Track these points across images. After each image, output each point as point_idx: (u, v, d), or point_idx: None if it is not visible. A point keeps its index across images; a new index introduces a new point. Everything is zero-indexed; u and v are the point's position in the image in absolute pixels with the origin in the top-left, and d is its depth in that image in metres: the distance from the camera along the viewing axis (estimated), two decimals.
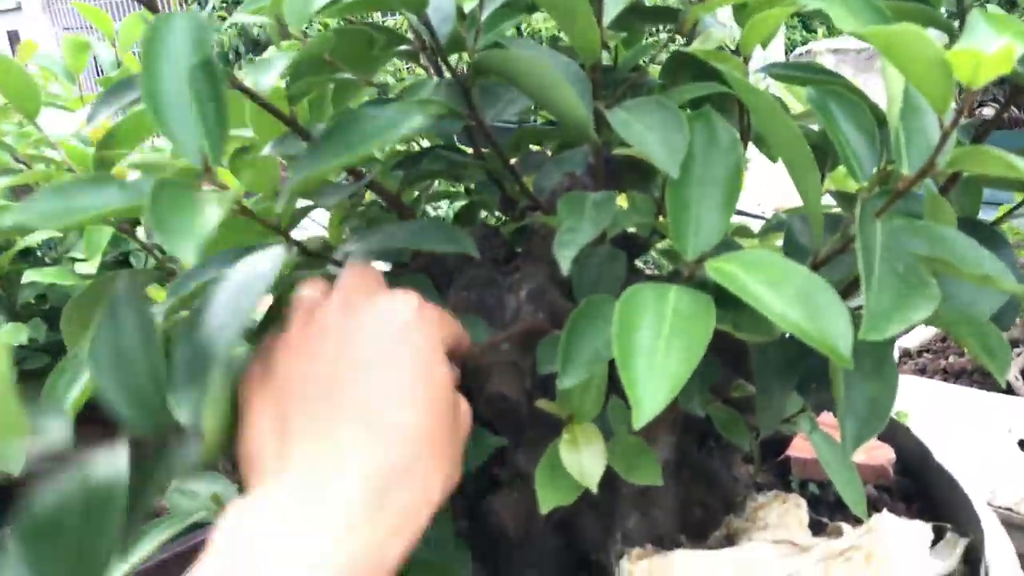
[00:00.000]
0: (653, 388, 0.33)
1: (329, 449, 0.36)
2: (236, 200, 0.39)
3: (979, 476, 1.52)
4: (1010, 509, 1.49)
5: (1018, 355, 1.58)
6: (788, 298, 0.35)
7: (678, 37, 0.57)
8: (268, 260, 0.41)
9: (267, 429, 0.38)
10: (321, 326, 0.40)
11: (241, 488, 0.44)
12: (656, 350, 0.35)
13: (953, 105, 0.35)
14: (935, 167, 0.37)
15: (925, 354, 1.72)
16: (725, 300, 0.37)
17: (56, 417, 0.39)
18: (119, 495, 0.36)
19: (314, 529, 0.33)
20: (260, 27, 6.14)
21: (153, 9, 0.42)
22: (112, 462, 0.37)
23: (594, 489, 0.42)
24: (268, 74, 0.41)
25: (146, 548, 0.49)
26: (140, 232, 0.75)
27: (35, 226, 0.37)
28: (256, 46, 6.35)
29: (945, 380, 1.58)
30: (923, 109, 0.40)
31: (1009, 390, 1.52)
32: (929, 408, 1.55)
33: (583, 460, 0.43)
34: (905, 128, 0.39)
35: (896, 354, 1.73)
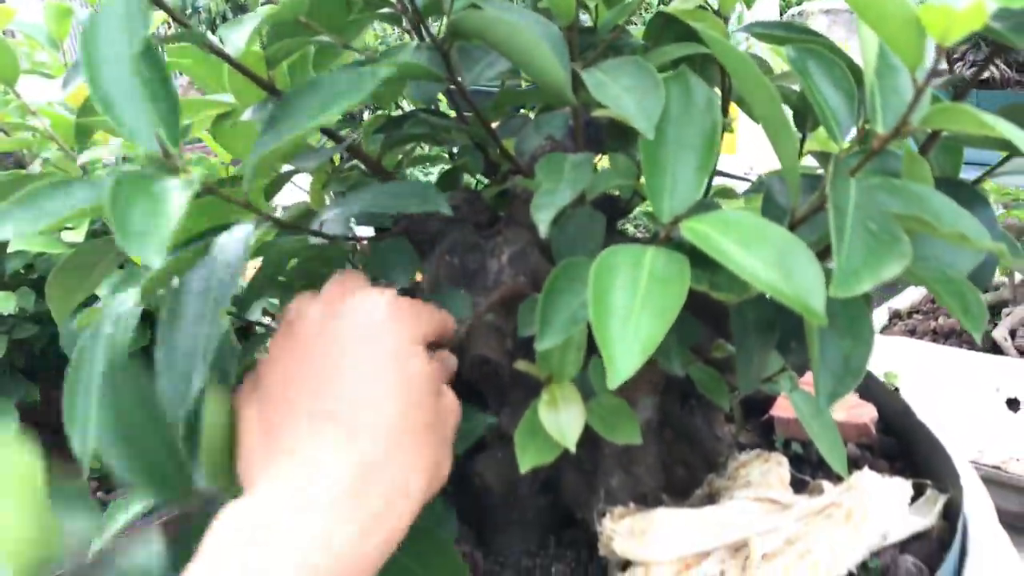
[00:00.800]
0: (627, 349, 0.34)
1: (309, 452, 0.37)
2: (201, 183, 0.39)
3: (967, 435, 1.54)
4: (998, 467, 1.51)
5: (1007, 315, 1.59)
6: (762, 257, 0.35)
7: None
8: (234, 245, 0.42)
9: (255, 435, 0.40)
10: (301, 333, 0.42)
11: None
12: (631, 311, 0.35)
13: (929, 62, 0.35)
14: (909, 125, 0.36)
15: (915, 315, 1.73)
16: (702, 261, 0.37)
17: (79, 502, 0.40)
18: None
19: (294, 530, 0.34)
20: None
21: None
22: (147, 552, 0.38)
23: (572, 448, 0.42)
24: (239, 33, 0.40)
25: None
26: None
27: (11, 236, 0.37)
28: (242, 9, 6.28)
29: (935, 341, 1.59)
30: (898, 68, 0.39)
31: (997, 350, 1.53)
32: (918, 368, 1.56)
33: (561, 420, 0.43)
34: (880, 87, 0.39)
35: (886, 315, 1.74)
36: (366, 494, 0.36)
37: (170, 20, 0.48)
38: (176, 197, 0.37)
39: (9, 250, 1.00)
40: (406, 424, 0.39)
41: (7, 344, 1.04)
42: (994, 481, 1.49)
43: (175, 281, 0.44)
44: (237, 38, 0.40)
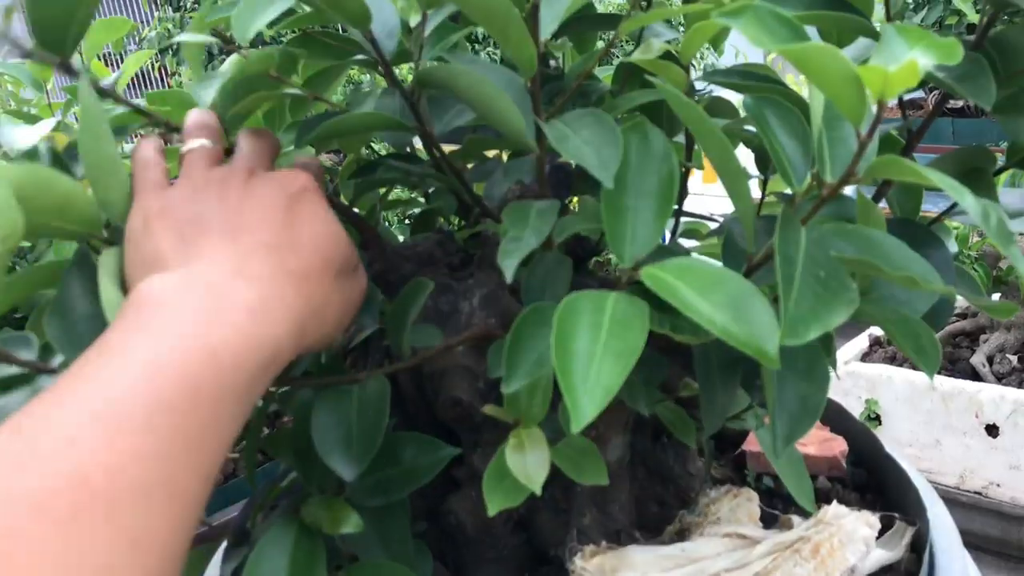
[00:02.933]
0: (589, 393, 0.34)
1: (238, 255, 0.40)
2: None
3: (948, 461, 1.55)
4: (979, 493, 1.52)
5: (985, 342, 1.60)
6: (717, 303, 0.36)
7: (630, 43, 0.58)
8: None
9: (168, 243, 0.41)
10: (224, 179, 0.44)
11: None
12: (593, 356, 0.36)
13: (874, 113, 0.37)
14: (855, 175, 0.38)
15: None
16: (663, 305, 0.39)
17: None
18: None
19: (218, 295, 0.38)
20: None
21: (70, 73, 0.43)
22: None
23: (538, 492, 0.43)
24: (208, 90, 0.42)
25: None
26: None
27: None
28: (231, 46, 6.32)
29: (915, 368, 1.61)
30: (844, 119, 0.41)
31: (976, 376, 1.55)
32: (899, 395, 1.58)
33: (528, 463, 0.44)
34: (828, 137, 0.41)
35: (867, 342, 1.75)
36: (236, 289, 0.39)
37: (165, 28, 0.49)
38: None
39: None
40: (326, 269, 0.44)
41: None
42: (976, 507, 1.50)
43: None
44: (206, 95, 0.42)
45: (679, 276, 0.38)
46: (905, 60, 0.32)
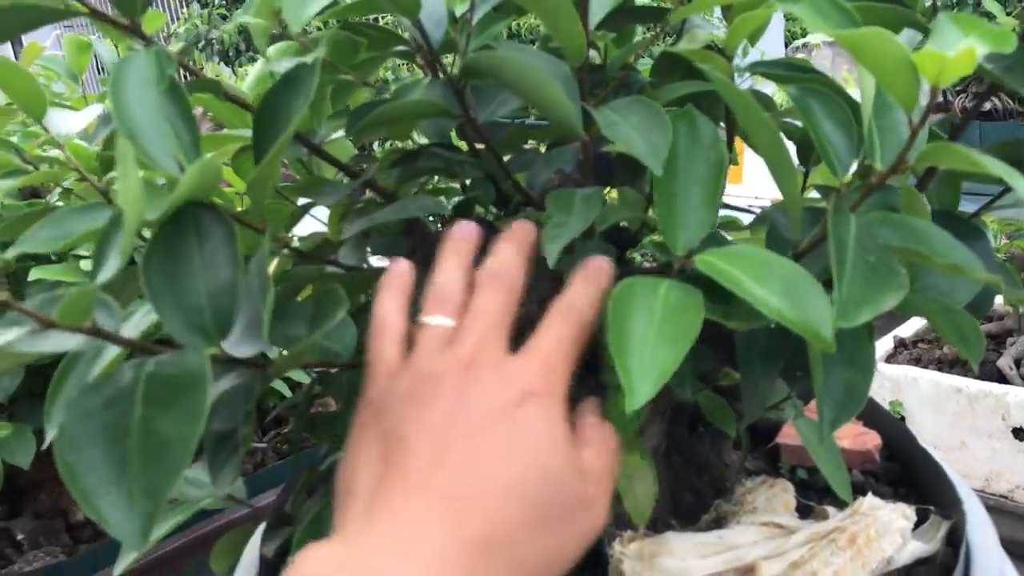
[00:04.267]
0: (644, 375, 0.35)
1: (417, 515, 0.36)
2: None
3: (974, 464, 1.54)
4: (1005, 496, 1.51)
5: (1012, 344, 1.59)
6: (772, 288, 0.37)
7: (669, 35, 0.59)
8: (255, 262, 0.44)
9: (368, 468, 0.39)
10: (440, 373, 0.40)
11: None
12: (647, 340, 0.36)
13: (925, 101, 0.37)
14: (906, 162, 0.38)
15: (920, 344, 1.74)
16: (714, 292, 0.39)
17: None
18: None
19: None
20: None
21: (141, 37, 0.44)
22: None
23: None
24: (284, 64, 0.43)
25: (161, 530, 0.52)
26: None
27: (39, 251, 0.40)
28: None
29: (940, 370, 1.60)
30: (895, 107, 0.41)
31: (1003, 379, 1.54)
32: (924, 397, 1.57)
33: None
34: (878, 125, 0.41)
35: (891, 344, 1.75)
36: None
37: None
38: None
39: (29, 279, 1.02)
40: (521, 524, 0.37)
41: (25, 371, 1.06)
42: (1001, 510, 1.49)
43: None
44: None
45: (732, 262, 0.39)
46: (962, 47, 0.32)
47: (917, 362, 1.67)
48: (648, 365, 0.34)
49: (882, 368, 1.63)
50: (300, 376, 1.27)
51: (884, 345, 1.76)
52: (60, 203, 1.07)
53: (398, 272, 0.46)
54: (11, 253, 0.43)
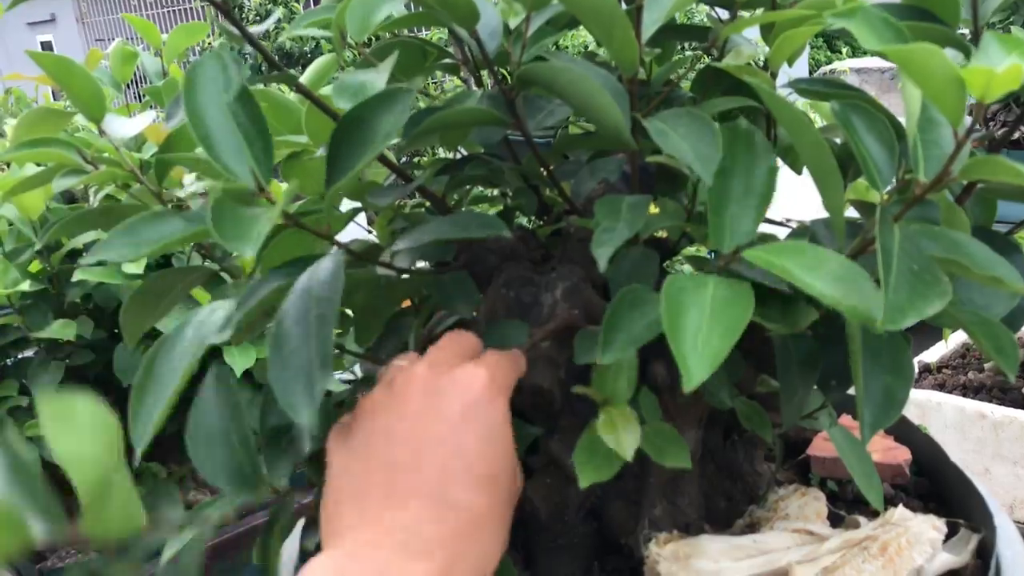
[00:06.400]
0: (699, 359, 0.38)
1: (402, 521, 0.41)
2: (282, 212, 0.43)
3: (998, 489, 1.53)
4: None
5: None
6: (824, 278, 0.39)
7: (707, 54, 0.60)
8: (330, 263, 0.45)
9: (347, 489, 0.43)
10: (403, 393, 0.45)
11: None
12: (700, 328, 0.39)
13: (967, 118, 0.38)
14: (950, 175, 0.40)
15: (944, 369, 1.73)
16: (755, 294, 0.41)
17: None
18: None
19: None
20: (293, 40, 6.28)
21: (228, 16, 0.46)
22: None
23: (629, 458, 0.45)
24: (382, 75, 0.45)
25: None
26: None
27: (118, 260, 0.42)
28: (289, 58, 6.47)
29: (964, 395, 1.60)
30: (939, 122, 0.43)
31: None
32: (949, 422, 1.57)
33: (620, 436, 0.46)
34: (922, 139, 0.42)
35: (916, 369, 1.75)
36: (454, 572, 0.40)
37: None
38: (264, 220, 0.42)
39: (73, 279, 1.04)
40: (491, 505, 0.43)
41: (64, 371, 1.08)
42: None
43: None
44: (380, 79, 0.46)
45: (780, 255, 0.40)
46: (1008, 63, 0.34)
47: (941, 387, 1.67)
48: (702, 349, 0.37)
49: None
50: None
51: None
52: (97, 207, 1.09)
53: None
54: (90, 259, 0.45)
